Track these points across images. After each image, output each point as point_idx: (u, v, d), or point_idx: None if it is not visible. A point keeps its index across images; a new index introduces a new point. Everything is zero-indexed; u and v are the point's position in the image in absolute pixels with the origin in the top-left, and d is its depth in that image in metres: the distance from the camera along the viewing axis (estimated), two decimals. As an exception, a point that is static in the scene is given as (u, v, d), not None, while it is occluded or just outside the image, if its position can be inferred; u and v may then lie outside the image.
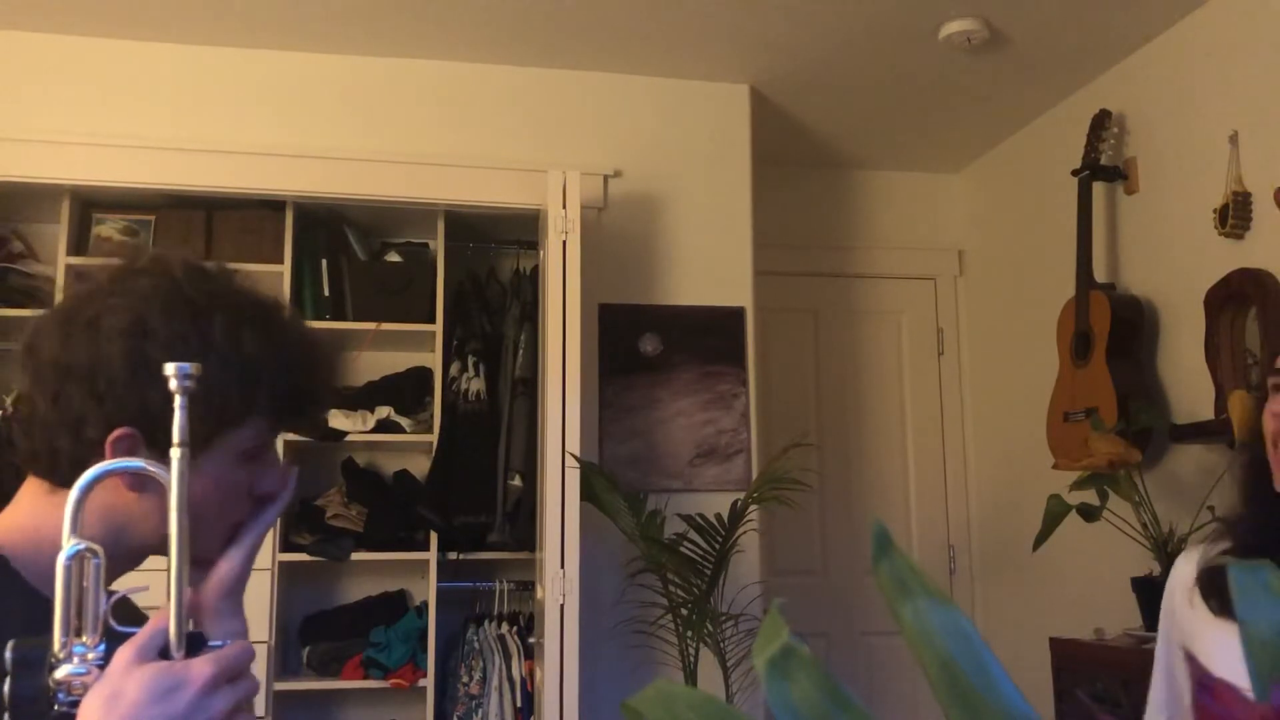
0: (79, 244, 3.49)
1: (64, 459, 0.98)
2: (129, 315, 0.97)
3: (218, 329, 0.98)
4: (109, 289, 1.00)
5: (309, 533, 3.56)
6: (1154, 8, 3.16)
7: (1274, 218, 2.85)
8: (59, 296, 3.48)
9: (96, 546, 0.86)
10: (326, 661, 3.55)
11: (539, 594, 3.11)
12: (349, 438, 3.58)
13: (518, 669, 3.46)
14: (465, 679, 3.48)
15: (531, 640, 3.43)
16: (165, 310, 0.98)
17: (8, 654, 0.82)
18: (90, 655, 0.83)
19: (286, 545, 3.50)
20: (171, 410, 0.91)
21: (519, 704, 3.43)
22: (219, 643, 0.86)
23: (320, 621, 3.67)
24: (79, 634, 0.84)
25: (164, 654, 0.83)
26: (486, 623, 3.57)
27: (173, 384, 0.84)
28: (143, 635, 0.83)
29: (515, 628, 3.55)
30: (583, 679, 2.90)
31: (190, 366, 0.84)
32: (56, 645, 0.83)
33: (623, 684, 3.19)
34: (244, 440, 1.01)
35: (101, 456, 0.96)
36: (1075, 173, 3.45)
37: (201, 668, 0.82)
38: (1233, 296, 2.93)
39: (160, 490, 0.97)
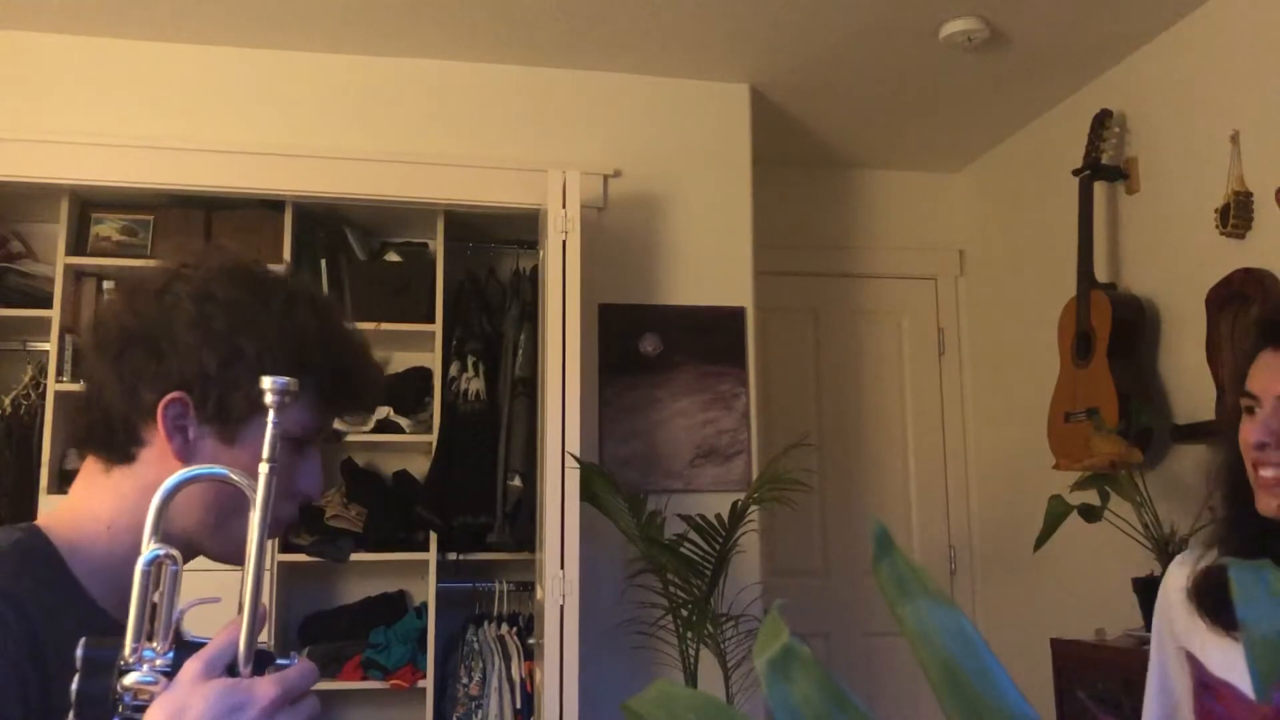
0: (78, 244, 3.49)
1: (118, 424, 1.00)
2: (197, 283, 1.01)
3: (277, 302, 1.02)
4: (180, 268, 1.04)
5: (308, 533, 3.56)
6: (1154, 8, 3.16)
7: (1275, 217, 2.84)
8: (58, 296, 3.50)
9: (175, 553, 0.85)
10: (326, 662, 3.54)
11: (539, 595, 3.10)
12: (348, 438, 3.58)
13: (517, 670, 3.46)
14: (465, 680, 3.47)
15: (531, 641, 3.42)
16: (230, 281, 1.02)
17: (79, 652, 0.82)
18: (159, 663, 0.83)
19: (286, 546, 3.49)
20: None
21: (519, 705, 3.42)
22: (286, 660, 0.85)
23: (320, 622, 3.66)
24: (150, 639, 0.84)
25: (231, 669, 0.82)
26: (486, 623, 3.56)
27: (268, 398, 0.83)
28: (211, 649, 0.83)
29: (515, 628, 3.55)
30: (582, 680, 2.89)
31: (286, 381, 0.83)
32: (127, 649, 0.83)
33: (623, 685, 3.18)
34: (292, 418, 1.01)
35: (154, 423, 0.98)
36: (1076, 172, 3.44)
37: (266, 688, 0.81)
38: (1234, 296, 2.93)
39: (205, 464, 0.97)
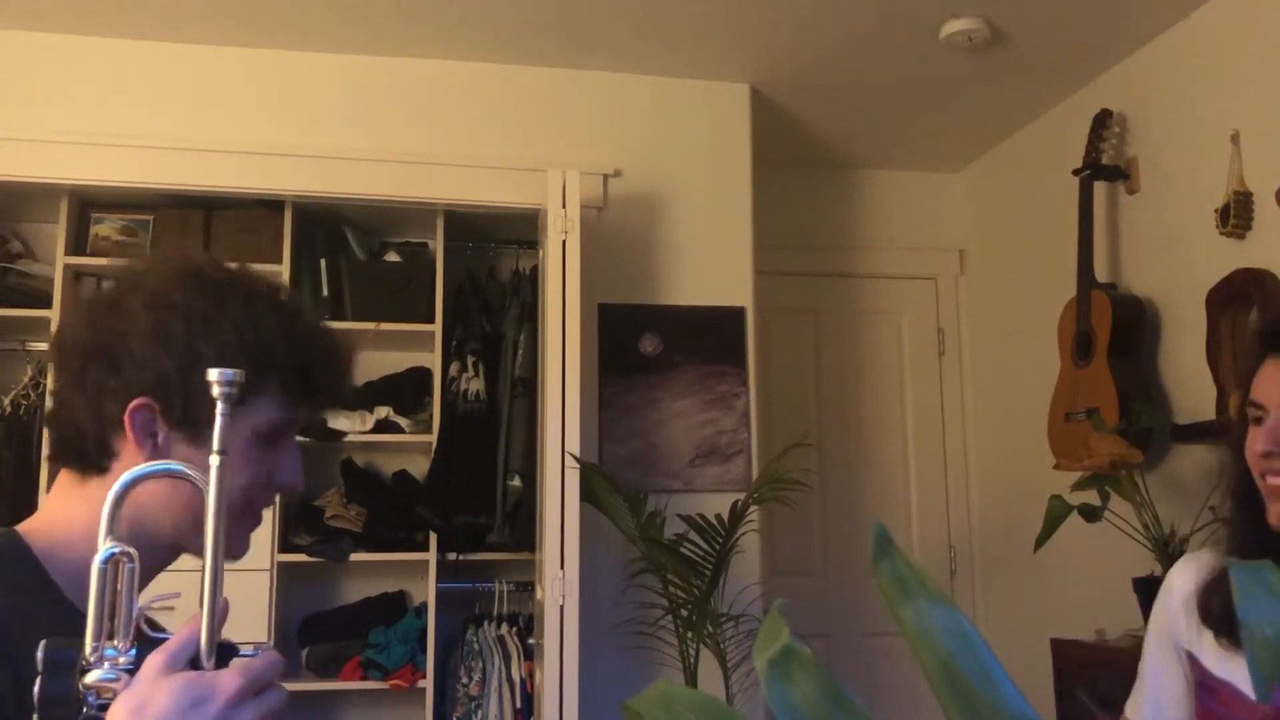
0: (77, 244, 3.49)
1: (89, 440, 1.01)
2: (151, 292, 1.01)
3: (234, 303, 1.02)
4: (132, 276, 1.04)
5: (308, 533, 3.55)
6: (1154, 8, 3.16)
7: (1275, 217, 2.84)
8: (58, 296, 3.50)
9: (132, 550, 0.85)
10: (325, 662, 3.54)
11: (539, 595, 3.10)
12: (348, 438, 3.58)
13: (517, 670, 3.46)
14: (465, 680, 3.47)
15: (531, 641, 3.42)
16: (184, 285, 1.02)
17: (39, 654, 0.82)
18: (121, 660, 0.83)
19: (285, 546, 3.49)
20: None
21: (519, 705, 3.42)
22: (250, 652, 0.85)
23: (319, 622, 3.66)
24: (111, 638, 0.84)
25: (194, 663, 0.82)
26: (486, 623, 3.56)
27: (215, 390, 0.84)
28: (173, 643, 0.83)
29: (515, 628, 3.55)
30: (582, 680, 2.89)
31: (233, 373, 0.84)
32: (88, 649, 0.83)
33: (623, 685, 3.18)
34: (259, 417, 1.02)
35: (123, 434, 0.99)
36: (1076, 172, 3.44)
37: (229, 680, 0.81)
38: (1234, 296, 2.93)
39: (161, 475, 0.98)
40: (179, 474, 0.88)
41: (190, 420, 0.99)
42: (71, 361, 1.02)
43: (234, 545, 1.03)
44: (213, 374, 0.84)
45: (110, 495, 0.85)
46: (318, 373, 1.07)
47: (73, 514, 1.02)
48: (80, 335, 1.02)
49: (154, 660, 0.81)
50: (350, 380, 1.14)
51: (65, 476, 1.04)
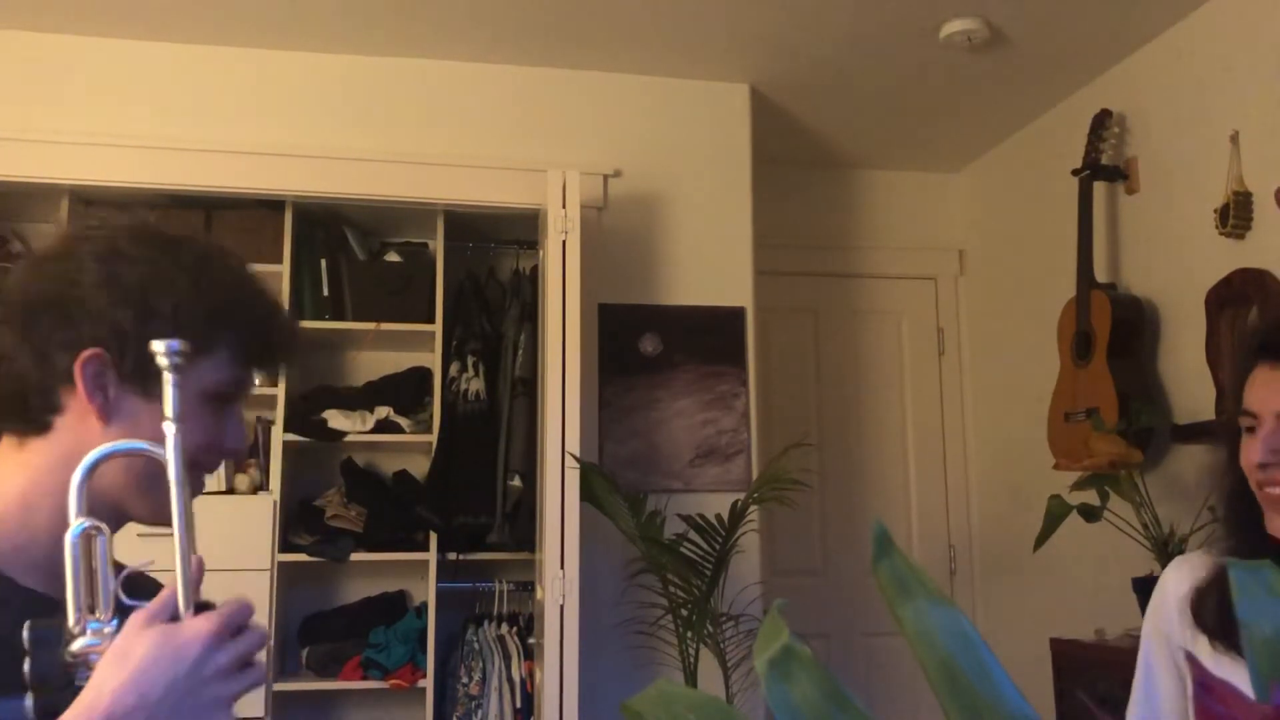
0: (78, 244, 3.48)
1: (32, 392, 0.98)
2: (103, 244, 1.00)
3: (187, 255, 1.01)
4: (83, 232, 1.03)
5: (308, 533, 3.56)
6: (1154, 8, 3.16)
7: (1275, 217, 2.84)
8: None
9: (103, 525, 0.87)
10: (326, 662, 3.54)
11: (539, 595, 3.11)
12: (348, 438, 3.58)
13: (517, 670, 3.46)
14: (465, 679, 3.47)
15: (531, 641, 3.42)
16: (137, 238, 1.01)
17: (25, 634, 0.83)
18: (106, 631, 0.86)
19: (286, 546, 3.49)
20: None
21: (518, 705, 3.42)
22: None
23: (319, 622, 3.66)
24: (91, 611, 0.86)
25: (174, 620, 0.86)
26: (486, 623, 3.56)
27: (162, 361, 0.85)
28: (154, 603, 0.86)
29: (515, 628, 3.55)
30: (582, 680, 2.89)
31: (179, 343, 0.85)
32: (71, 622, 0.85)
33: (623, 684, 3.18)
34: (211, 374, 1.01)
35: (71, 387, 0.97)
36: (1076, 172, 3.44)
37: (201, 624, 0.84)
38: (1234, 296, 2.93)
39: (127, 422, 0.98)
40: (144, 451, 0.89)
41: (142, 373, 0.96)
42: (16, 314, 0.99)
43: (168, 510, 1.02)
44: (158, 345, 0.85)
45: (78, 473, 0.86)
46: (269, 331, 1.06)
47: (10, 482, 0.99)
48: (28, 287, 0.99)
49: (136, 618, 0.85)
50: (298, 339, 1.13)
51: (5, 444, 1.02)
